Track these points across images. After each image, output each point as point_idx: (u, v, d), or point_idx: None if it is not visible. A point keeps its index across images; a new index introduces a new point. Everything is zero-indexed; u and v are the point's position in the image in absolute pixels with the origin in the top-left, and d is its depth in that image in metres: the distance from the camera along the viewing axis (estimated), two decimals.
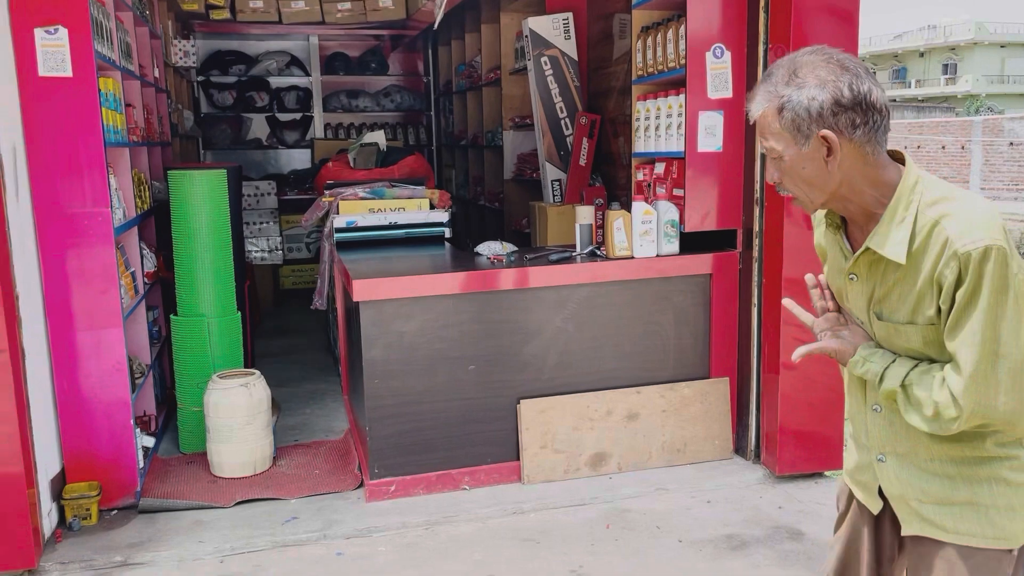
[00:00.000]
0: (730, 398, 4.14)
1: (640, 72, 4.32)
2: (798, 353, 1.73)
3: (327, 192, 5.17)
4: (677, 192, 4.02)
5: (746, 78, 3.83)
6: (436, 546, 3.40)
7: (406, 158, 5.86)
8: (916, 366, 1.60)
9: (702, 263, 4.04)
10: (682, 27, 3.86)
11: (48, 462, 3.48)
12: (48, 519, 3.43)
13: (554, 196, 5.69)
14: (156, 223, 4.99)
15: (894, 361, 1.62)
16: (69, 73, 3.40)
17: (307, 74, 9.29)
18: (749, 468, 4.04)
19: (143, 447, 3.93)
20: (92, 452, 3.62)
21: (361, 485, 3.86)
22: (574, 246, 4.17)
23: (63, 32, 3.37)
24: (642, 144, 4.31)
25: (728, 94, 3.82)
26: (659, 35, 4.10)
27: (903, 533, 1.73)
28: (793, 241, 3.70)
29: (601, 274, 3.95)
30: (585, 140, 5.43)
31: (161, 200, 4.91)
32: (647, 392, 4.03)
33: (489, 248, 4.29)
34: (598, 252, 4.06)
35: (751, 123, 1.64)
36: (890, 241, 1.56)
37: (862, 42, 3.98)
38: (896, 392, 1.61)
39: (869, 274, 1.64)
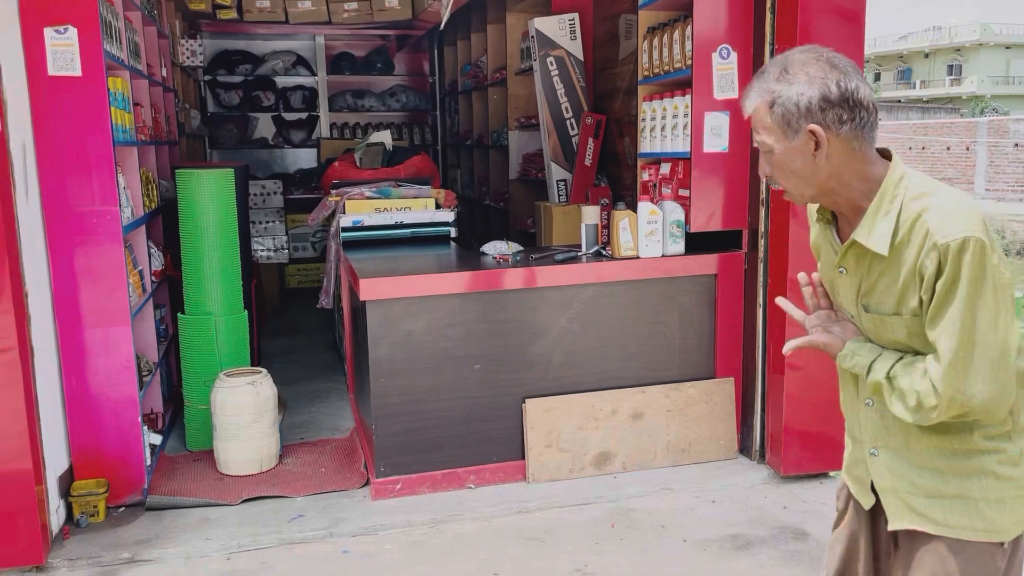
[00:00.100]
0: (735, 398, 4.15)
1: (646, 72, 4.33)
2: (788, 347, 1.78)
3: (333, 191, 5.19)
4: (683, 192, 4.03)
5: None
6: (442, 544, 3.41)
7: (412, 158, 5.88)
8: (901, 358, 1.64)
9: (707, 263, 4.05)
10: (688, 28, 3.87)
11: (56, 459, 3.50)
12: (56, 516, 3.45)
13: (559, 196, 5.70)
14: (163, 222, 5.01)
15: (881, 354, 1.67)
16: (78, 72, 3.42)
17: (313, 74, 9.31)
18: (754, 468, 4.05)
19: (150, 445, 3.94)
20: (100, 449, 3.64)
21: (367, 483, 3.87)
22: (579, 246, 4.18)
23: (73, 32, 3.39)
24: (648, 144, 4.32)
25: (734, 95, 3.83)
26: (665, 35, 4.11)
27: (890, 528, 1.75)
28: (798, 242, 3.70)
29: (606, 274, 3.96)
30: (591, 140, 5.44)
31: (168, 199, 4.93)
32: (652, 392, 4.04)
33: (495, 248, 4.30)
34: (604, 252, 4.07)
35: (745, 118, 1.69)
36: (874, 233, 1.61)
37: (867, 43, 3.98)
38: (882, 384, 1.65)
39: (857, 267, 1.69)
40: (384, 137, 6.06)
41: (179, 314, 4.37)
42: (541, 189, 6.13)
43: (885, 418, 1.71)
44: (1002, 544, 1.66)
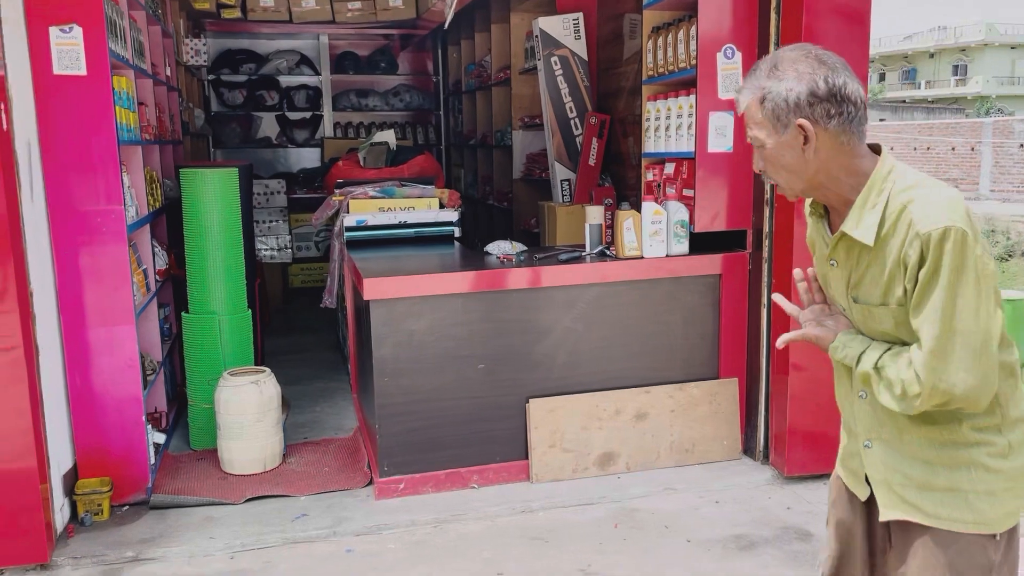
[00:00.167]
0: (739, 399, 4.15)
1: (651, 72, 4.33)
2: (782, 340, 1.82)
3: (337, 191, 5.19)
4: (687, 192, 4.03)
5: None
6: (445, 544, 3.41)
7: (416, 157, 5.88)
8: (889, 349, 1.67)
9: (712, 263, 4.05)
10: (693, 27, 3.87)
11: (61, 457, 3.50)
12: (60, 514, 3.46)
13: (563, 196, 5.70)
14: (167, 221, 5.01)
15: (870, 345, 1.69)
16: (83, 71, 3.43)
17: (317, 73, 9.32)
18: (758, 469, 4.05)
19: (154, 443, 3.95)
20: (104, 448, 3.65)
21: (370, 483, 3.88)
22: (583, 246, 4.17)
23: (78, 31, 3.40)
24: (652, 144, 4.31)
25: None
26: (670, 35, 4.10)
27: (881, 518, 1.77)
28: (802, 242, 3.65)
29: (611, 274, 3.96)
30: (595, 140, 5.44)
31: (172, 198, 4.94)
32: (656, 392, 4.04)
33: (499, 248, 4.30)
34: (608, 252, 4.07)
35: (739, 115, 1.73)
36: (861, 225, 1.64)
37: (872, 43, 3.97)
38: (870, 374, 1.67)
39: (846, 259, 1.72)
40: (388, 136, 6.06)
41: (183, 313, 4.38)
42: (545, 189, 6.13)
43: (878, 410, 1.74)
44: (994, 536, 1.67)
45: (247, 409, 3.97)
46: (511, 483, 3.91)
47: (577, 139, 5.63)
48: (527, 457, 3.93)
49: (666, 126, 4.14)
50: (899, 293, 1.62)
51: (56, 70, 3.40)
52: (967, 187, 18.77)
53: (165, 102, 5.35)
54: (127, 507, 3.70)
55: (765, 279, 3.93)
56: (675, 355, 4.10)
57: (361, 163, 5.79)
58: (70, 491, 3.56)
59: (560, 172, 5.70)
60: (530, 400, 3.90)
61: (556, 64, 5.55)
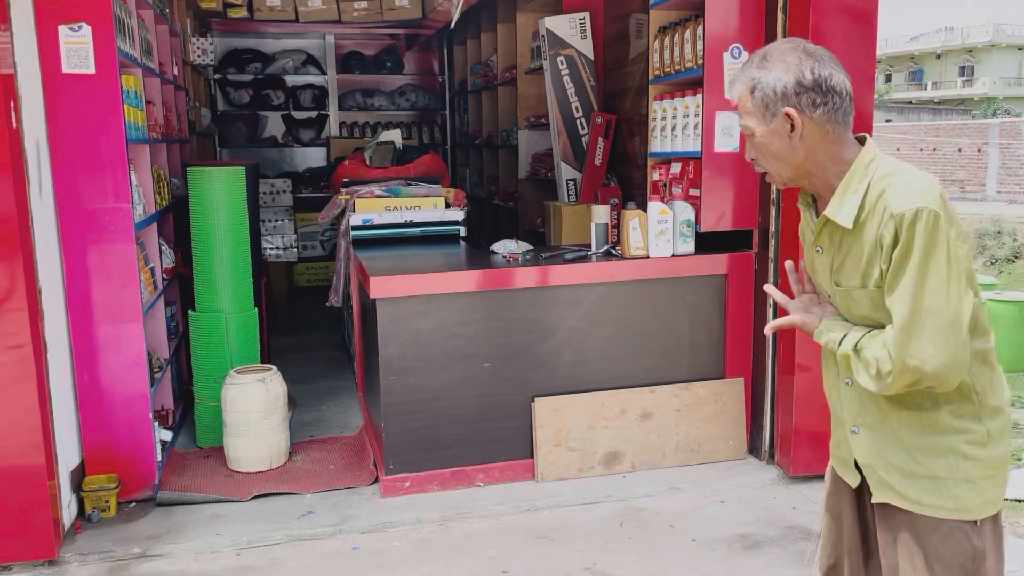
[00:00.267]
0: (744, 398, 4.15)
1: (657, 72, 4.33)
2: (769, 327, 1.89)
3: (343, 190, 5.20)
4: (693, 192, 4.03)
5: None
6: (451, 542, 3.42)
7: (422, 156, 5.89)
8: (869, 331, 1.72)
9: (718, 263, 4.05)
10: (699, 27, 3.87)
11: (68, 454, 3.52)
12: (68, 511, 3.47)
13: (569, 196, 5.70)
14: (174, 220, 5.03)
15: (851, 329, 1.75)
16: (92, 70, 3.44)
17: (323, 73, 9.34)
18: (763, 468, 4.05)
19: (161, 441, 3.97)
20: (111, 445, 3.67)
21: (376, 481, 3.89)
22: (589, 245, 4.18)
23: (87, 29, 3.41)
24: (658, 144, 4.31)
25: None
26: (676, 35, 4.10)
27: (873, 501, 1.82)
28: None
29: (616, 273, 3.96)
30: (600, 140, 5.44)
31: (179, 197, 4.95)
32: (661, 391, 4.04)
33: (505, 247, 4.31)
34: (613, 251, 4.07)
35: (733, 106, 1.80)
36: (842, 209, 1.71)
37: (878, 44, 3.97)
38: (850, 356, 1.73)
39: (830, 245, 1.79)
40: (394, 136, 6.07)
41: (190, 311, 4.39)
42: (550, 189, 6.14)
43: (863, 397, 1.80)
44: (975, 523, 1.72)
45: (253, 407, 3.98)
46: (516, 482, 3.91)
47: (583, 139, 5.63)
48: (532, 456, 3.94)
49: (672, 126, 4.14)
50: (876, 275, 1.68)
51: (65, 68, 3.41)
52: (974, 188, 18.71)
53: (172, 101, 5.37)
54: (134, 504, 3.71)
55: (771, 279, 3.93)
56: (681, 355, 4.10)
57: (367, 162, 5.80)
58: (78, 488, 3.58)
59: (566, 172, 5.71)
60: (536, 399, 3.91)
61: (562, 64, 5.56)
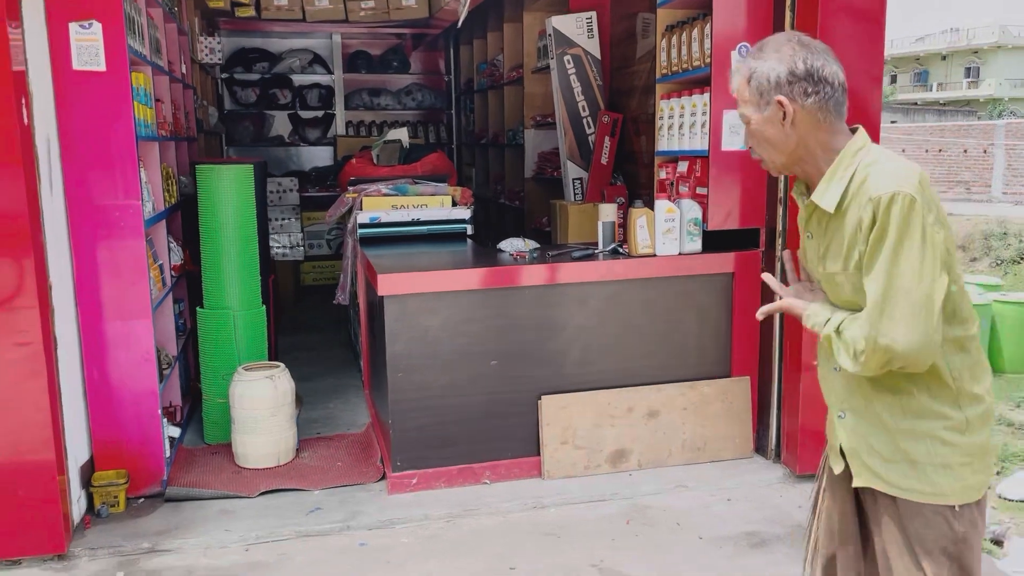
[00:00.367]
0: (751, 397, 4.15)
1: (664, 71, 4.33)
2: (761, 311, 1.96)
3: (351, 188, 5.22)
4: (700, 190, 4.04)
5: None
6: (458, 538, 3.43)
7: (429, 155, 5.90)
8: (852, 315, 1.77)
9: (725, 262, 4.05)
10: (707, 26, 3.87)
11: (78, 450, 3.54)
12: (77, 506, 3.49)
13: (575, 195, 5.71)
14: (182, 217, 5.05)
15: (836, 312, 1.81)
16: (103, 67, 3.46)
17: (329, 72, 9.36)
18: (769, 467, 4.05)
19: (169, 437, 3.98)
20: (120, 441, 3.68)
21: (383, 478, 3.90)
22: (596, 244, 4.19)
23: (97, 27, 3.43)
24: (665, 143, 4.32)
25: None
26: (683, 34, 4.11)
27: (854, 484, 1.89)
28: None
29: (623, 272, 3.97)
30: (607, 139, 5.45)
31: (187, 194, 4.97)
32: (668, 390, 4.05)
33: (512, 245, 4.32)
34: (620, 250, 4.08)
35: (732, 95, 1.87)
36: (827, 195, 1.77)
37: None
38: (832, 337, 1.78)
39: (818, 230, 1.85)
40: (401, 134, 6.09)
41: (198, 308, 4.41)
42: (556, 188, 6.15)
43: (850, 381, 1.86)
44: (953, 507, 1.76)
45: (261, 404, 3.99)
46: (523, 479, 3.92)
47: (590, 138, 5.64)
48: (539, 453, 3.94)
49: (679, 124, 4.15)
50: (856, 258, 1.73)
51: (75, 66, 3.43)
52: (979, 189, 18.66)
53: (181, 99, 5.39)
54: (143, 499, 3.73)
55: (778, 277, 3.92)
56: (687, 353, 4.10)
57: (374, 160, 5.82)
58: (87, 483, 3.59)
59: (572, 171, 5.71)
60: (542, 397, 3.91)
61: (569, 63, 5.56)
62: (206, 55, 6.89)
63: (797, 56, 1.74)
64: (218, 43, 7.10)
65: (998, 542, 3.57)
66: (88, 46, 3.43)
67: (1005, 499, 4.08)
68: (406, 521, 3.55)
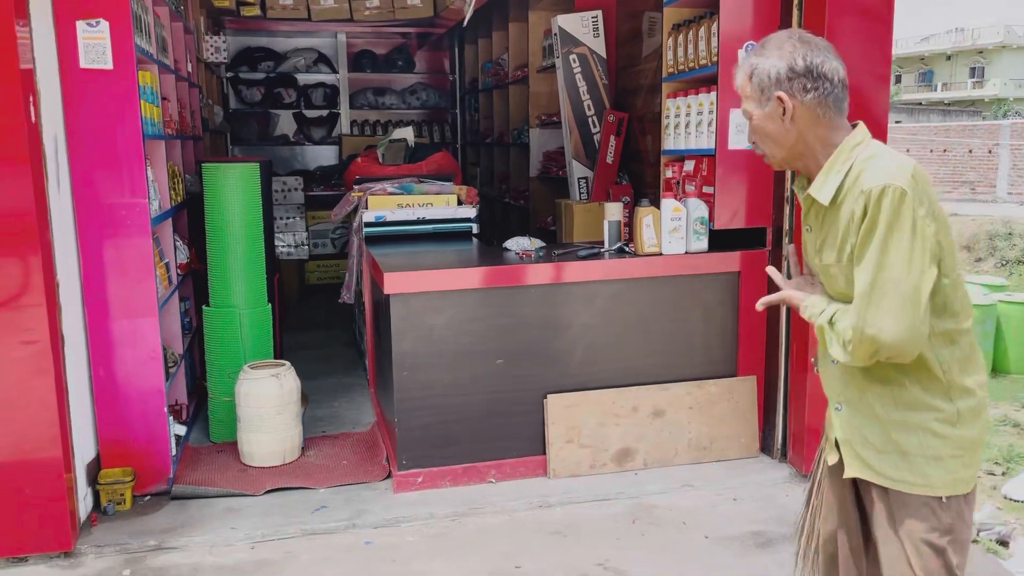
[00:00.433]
0: (757, 396, 4.14)
1: (671, 69, 4.33)
2: (760, 302, 2.02)
3: (356, 187, 5.22)
4: (707, 189, 4.03)
5: None
6: (463, 537, 3.43)
7: (434, 154, 5.90)
8: (845, 306, 1.81)
9: (731, 261, 4.05)
10: (714, 25, 3.87)
11: (84, 447, 3.54)
12: (84, 503, 3.50)
13: (581, 194, 5.71)
14: (188, 216, 5.05)
15: (831, 304, 1.85)
16: (110, 66, 3.46)
17: (334, 71, 9.37)
18: (775, 467, 4.04)
19: (175, 435, 3.98)
20: (127, 438, 3.69)
21: (389, 476, 3.90)
22: (601, 243, 4.18)
23: (104, 25, 3.43)
24: (672, 141, 4.32)
25: None
26: (690, 32, 4.11)
27: (844, 475, 1.93)
28: None
29: (629, 271, 3.96)
30: (612, 138, 5.44)
31: (193, 193, 4.98)
32: (674, 389, 4.04)
33: (517, 244, 4.32)
34: (626, 249, 4.08)
35: (736, 91, 1.91)
36: (824, 188, 1.82)
37: None
38: (825, 328, 1.83)
39: (816, 223, 1.89)
40: (406, 133, 6.09)
41: (204, 307, 4.41)
42: (561, 187, 6.15)
43: (845, 373, 1.89)
44: (940, 498, 1.80)
45: (267, 402, 4.00)
46: (528, 478, 3.92)
47: (595, 137, 5.64)
48: (544, 452, 3.94)
49: (686, 123, 4.14)
50: (849, 250, 1.77)
51: (83, 64, 3.44)
52: (984, 190, 18.62)
53: (187, 98, 5.40)
54: (149, 497, 3.73)
55: (785, 276, 3.92)
56: (693, 352, 4.10)
57: (380, 159, 5.82)
58: (93, 481, 3.60)
59: (577, 170, 5.71)
60: (548, 396, 3.91)
61: (575, 62, 5.56)
62: (212, 54, 6.91)
63: (797, 53, 1.78)
64: (223, 42, 7.12)
65: (1004, 543, 3.56)
66: (95, 44, 3.44)
67: (1011, 500, 4.06)
68: (412, 520, 3.56)
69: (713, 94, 3.89)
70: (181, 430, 4.16)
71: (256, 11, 7.43)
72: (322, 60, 9.30)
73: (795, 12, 3.72)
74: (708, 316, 4.09)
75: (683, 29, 4.19)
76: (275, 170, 8.34)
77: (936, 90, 42.34)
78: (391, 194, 5.05)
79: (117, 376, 3.65)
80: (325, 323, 7.07)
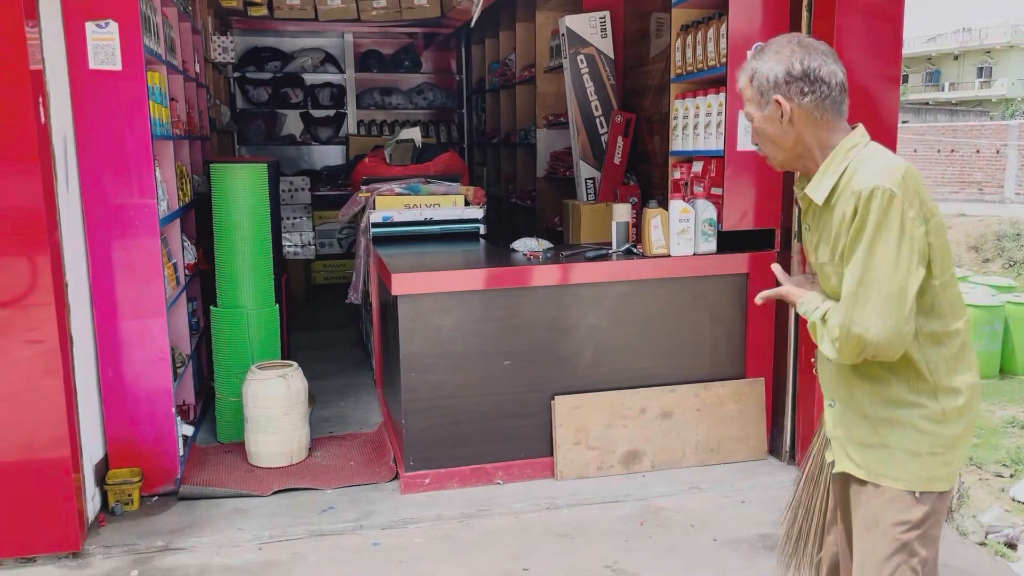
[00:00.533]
0: (765, 398, 4.13)
1: (679, 70, 4.32)
2: (760, 296, 2.05)
3: (364, 187, 5.22)
4: (715, 191, 4.02)
5: None
6: (471, 538, 3.42)
7: (441, 155, 5.90)
8: (836, 304, 1.84)
9: (739, 262, 4.03)
10: (723, 26, 3.86)
11: (92, 448, 3.55)
12: (92, 503, 3.50)
13: (588, 194, 5.70)
14: (196, 216, 5.06)
15: (825, 301, 1.89)
16: (119, 66, 3.47)
17: (341, 71, 9.38)
18: (783, 469, 4.03)
19: (183, 435, 3.99)
20: (135, 439, 3.69)
21: (396, 477, 3.90)
22: (609, 244, 4.17)
23: (113, 26, 3.44)
24: (680, 143, 4.31)
25: None
26: (699, 33, 4.09)
27: (835, 470, 1.98)
28: None
29: (637, 272, 3.95)
30: (620, 138, 5.44)
31: (200, 193, 4.98)
32: (681, 391, 4.03)
33: (525, 245, 4.31)
34: (634, 250, 4.07)
35: (739, 93, 1.95)
36: (819, 188, 1.86)
37: None
38: (817, 325, 1.86)
39: (813, 223, 1.94)
40: (414, 134, 6.09)
41: (211, 307, 4.42)
42: (568, 187, 6.13)
43: (838, 370, 1.93)
44: (913, 493, 1.83)
45: (275, 403, 4.00)
46: (536, 480, 3.92)
47: (602, 137, 5.63)
48: (552, 454, 3.94)
49: (694, 124, 4.13)
50: (840, 249, 1.81)
51: (92, 65, 3.44)
52: (992, 190, 18.55)
53: (194, 98, 5.40)
54: (156, 497, 3.74)
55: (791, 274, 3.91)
56: (701, 354, 4.09)
57: (387, 160, 5.82)
58: (101, 481, 3.60)
59: (585, 170, 5.70)
60: (555, 397, 3.90)
61: (582, 62, 5.55)
62: (219, 54, 6.91)
63: (795, 57, 1.82)
64: (231, 42, 7.12)
65: (1012, 545, 3.54)
66: (104, 45, 3.44)
67: (1018, 502, 4.05)
68: (419, 521, 3.55)
69: (722, 95, 3.88)
70: (188, 430, 4.17)
71: (263, 11, 7.44)
72: (329, 60, 9.31)
73: (804, 13, 3.70)
74: (716, 318, 4.08)
75: (691, 30, 4.18)
76: (282, 170, 8.34)
77: (943, 90, 42.20)
78: (398, 194, 5.05)
79: (125, 376, 3.66)
80: (331, 323, 7.08)
